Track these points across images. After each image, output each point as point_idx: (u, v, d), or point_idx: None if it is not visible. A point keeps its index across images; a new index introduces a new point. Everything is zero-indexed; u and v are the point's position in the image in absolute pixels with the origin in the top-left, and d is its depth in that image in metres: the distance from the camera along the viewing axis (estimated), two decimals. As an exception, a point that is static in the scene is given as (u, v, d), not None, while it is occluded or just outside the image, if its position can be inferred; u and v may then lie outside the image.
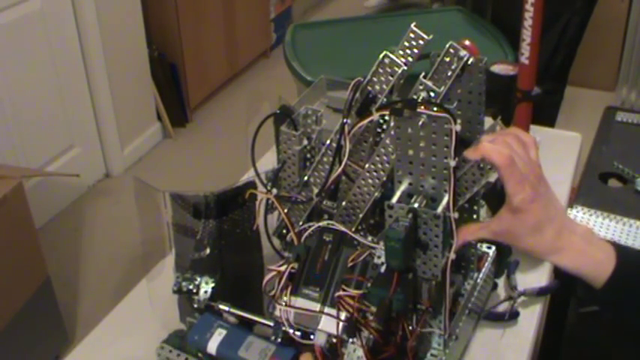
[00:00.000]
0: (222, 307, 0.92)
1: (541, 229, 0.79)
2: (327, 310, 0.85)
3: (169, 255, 1.01)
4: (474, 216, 0.92)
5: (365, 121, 0.88)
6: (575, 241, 0.81)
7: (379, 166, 0.90)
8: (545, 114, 2.46)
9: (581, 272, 0.81)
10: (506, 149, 0.77)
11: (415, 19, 0.97)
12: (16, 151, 2.48)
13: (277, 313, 0.87)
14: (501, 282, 1.10)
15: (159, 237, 1.01)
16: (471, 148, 0.78)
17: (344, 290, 0.83)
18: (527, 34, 1.17)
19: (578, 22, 2.42)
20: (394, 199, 0.80)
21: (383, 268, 0.81)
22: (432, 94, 0.85)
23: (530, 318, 1.05)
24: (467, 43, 1.39)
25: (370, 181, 0.91)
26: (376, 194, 0.92)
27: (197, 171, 3.07)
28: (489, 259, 1.02)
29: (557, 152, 1.46)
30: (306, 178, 0.97)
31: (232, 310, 0.91)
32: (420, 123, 0.76)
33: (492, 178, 0.83)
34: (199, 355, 0.91)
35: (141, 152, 3.18)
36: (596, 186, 1.52)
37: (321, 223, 0.91)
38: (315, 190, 0.96)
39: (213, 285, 0.92)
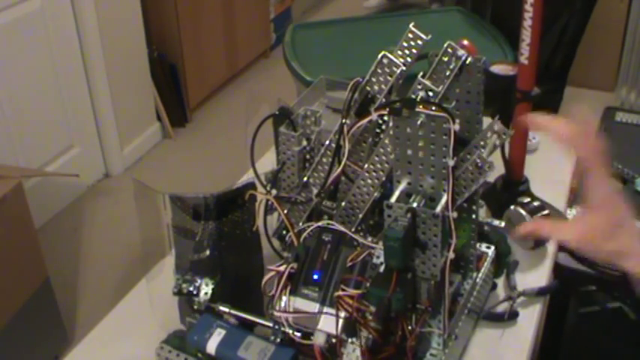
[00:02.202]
0: (222, 308, 0.92)
1: (622, 225, 0.80)
2: (326, 310, 0.85)
3: (169, 255, 1.01)
4: (473, 216, 0.92)
5: (364, 122, 0.88)
6: None
7: (378, 166, 0.90)
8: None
9: None
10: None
11: (415, 19, 0.97)
12: (15, 151, 2.48)
13: (276, 313, 0.87)
14: (501, 282, 1.10)
15: (158, 237, 1.01)
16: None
17: (343, 290, 0.83)
18: (526, 35, 1.17)
19: (577, 23, 2.43)
20: (393, 199, 0.80)
21: (382, 268, 0.81)
22: (431, 93, 0.85)
23: (530, 318, 1.05)
24: (465, 42, 1.40)
25: (370, 181, 0.91)
26: (375, 194, 0.92)
27: (196, 171, 3.07)
28: (488, 258, 1.02)
29: (557, 152, 1.45)
30: (305, 178, 0.97)
31: (232, 312, 0.91)
32: (419, 122, 0.76)
33: (491, 178, 0.83)
34: (199, 355, 0.90)
35: (140, 152, 3.18)
36: (595, 186, 1.52)
37: (320, 223, 0.91)
38: (315, 191, 0.96)
39: (213, 286, 0.92)
